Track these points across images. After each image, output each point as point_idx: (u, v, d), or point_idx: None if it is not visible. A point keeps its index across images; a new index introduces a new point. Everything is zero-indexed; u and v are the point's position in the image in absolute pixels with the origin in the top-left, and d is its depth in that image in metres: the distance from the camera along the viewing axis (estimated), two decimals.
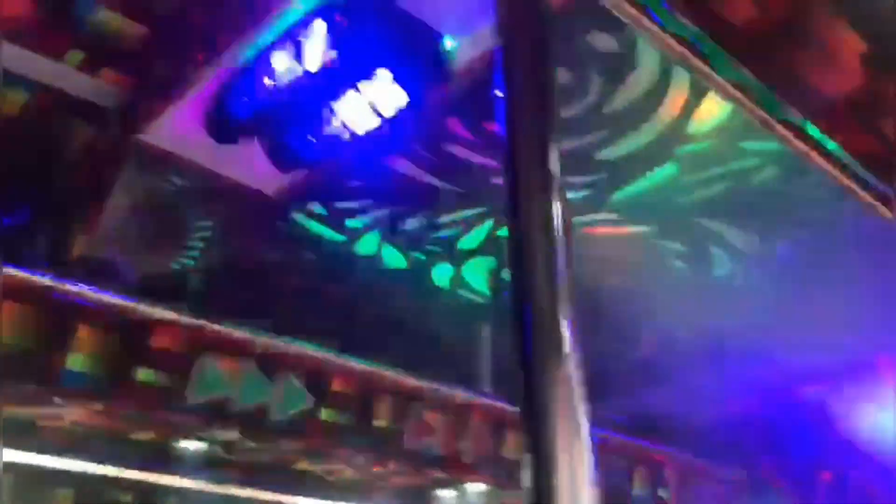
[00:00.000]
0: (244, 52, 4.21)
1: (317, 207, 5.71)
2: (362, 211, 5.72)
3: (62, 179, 5.30)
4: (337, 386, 6.19)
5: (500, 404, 7.22)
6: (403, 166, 5.29)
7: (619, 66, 4.40)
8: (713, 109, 4.57)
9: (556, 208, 1.59)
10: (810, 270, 6.03)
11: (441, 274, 6.65)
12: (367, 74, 4.06)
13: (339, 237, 6.06)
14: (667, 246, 6.01)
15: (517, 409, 1.52)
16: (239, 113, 4.32)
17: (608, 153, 5.01)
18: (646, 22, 2.90)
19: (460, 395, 6.93)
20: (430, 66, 4.09)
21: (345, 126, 4.31)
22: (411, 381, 6.56)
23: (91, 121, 5.22)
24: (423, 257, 6.37)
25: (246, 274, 5.76)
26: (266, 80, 4.15)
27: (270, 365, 5.82)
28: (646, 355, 7.46)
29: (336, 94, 4.14)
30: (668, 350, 7.10)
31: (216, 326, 5.53)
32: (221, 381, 5.61)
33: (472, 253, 6.27)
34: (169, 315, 5.33)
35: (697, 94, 4.43)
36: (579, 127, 4.76)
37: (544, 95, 1.92)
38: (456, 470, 7.08)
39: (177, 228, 5.32)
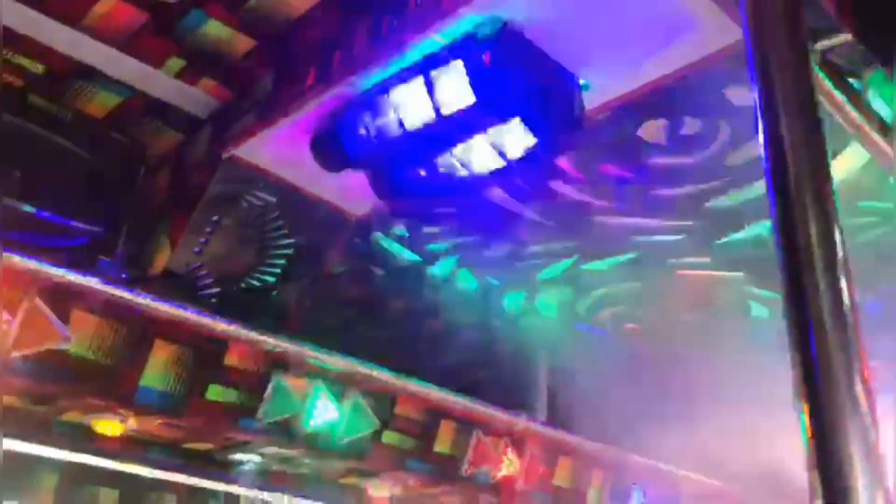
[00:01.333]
0: (366, 81, 3.99)
1: (400, 230, 5.52)
2: (447, 235, 5.53)
3: (147, 188, 5.11)
4: (402, 410, 6.03)
5: (554, 432, 7.09)
6: (499, 197, 5.10)
7: (750, 121, 4.19)
8: (839, 167, 4.38)
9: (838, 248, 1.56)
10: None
11: (512, 299, 6.48)
12: (500, 117, 3.84)
13: (416, 258, 5.88)
14: (753, 291, 5.84)
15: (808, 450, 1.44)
16: (353, 144, 4.10)
17: (717, 202, 4.83)
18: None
19: (518, 422, 6.78)
20: (563, 110, 3.89)
21: (464, 165, 4.11)
22: (473, 407, 6.40)
23: (182, 130, 5.03)
24: (498, 282, 6.19)
25: (324, 292, 5.58)
26: (388, 115, 3.93)
27: (340, 386, 5.65)
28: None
29: (464, 136, 3.92)
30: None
31: (291, 345, 5.36)
32: (292, 401, 5.45)
33: (549, 283, 6.10)
34: (245, 333, 5.15)
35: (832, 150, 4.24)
36: (695, 175, 4.57)
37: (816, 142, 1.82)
38: (507, 496, 6.95)
39: (260, 245, 5.13)
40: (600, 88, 3.90)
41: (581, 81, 3.89)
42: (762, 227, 5.04)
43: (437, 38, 3.67)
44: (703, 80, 3.84)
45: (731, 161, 4.47)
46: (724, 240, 5.21)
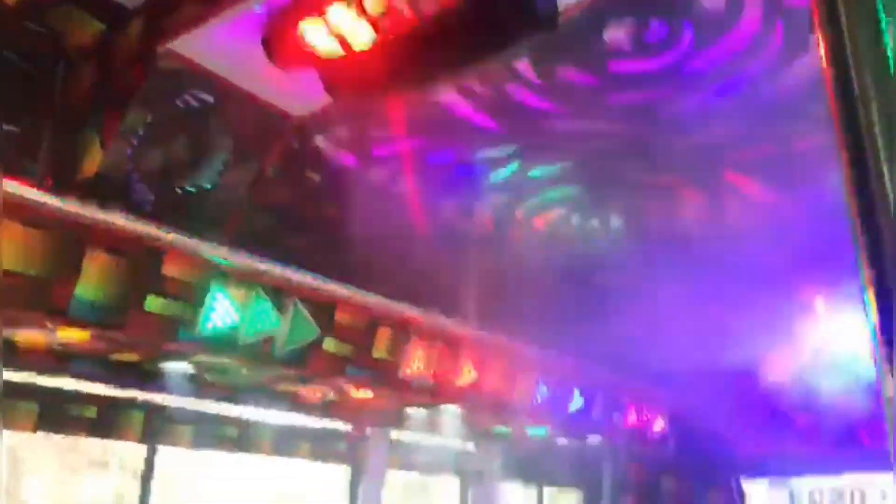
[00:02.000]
0: None
1: (343, 132, 5.30)
2: (392, 139, 5.35)
3: (69, 85, 4.67)
4: (341, 317, 5.94)
5: (487, 336, 7.18)
6: (450, 99, 4.95)
7: (714, 24, 4.17)
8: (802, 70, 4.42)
9: None
10: None
11: (451, 204, 6.40)
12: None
13: (356, 162, 5.69)
14: (685, 199, 5.99)
15: None
16: (313, 40, 3.85)
17: (668, 110, 4.84)
18: None
19: (452, 326, 6.83)
20: (535, 8, 3.74)
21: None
22: (410, 313, 6.39)
23: (107, 20, 4.58)
24: (438, 187, 6.09)
25: (261, 197, 5.34)
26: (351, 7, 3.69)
27: (279, 295, 5.50)
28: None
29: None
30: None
31: (229, 254, 5.14)
32: (232, 311, 5.27)
33: (490, 189, 6.05)
34: (183, 241, 4.90)
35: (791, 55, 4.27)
36: (652, 82, 4.54)
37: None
38: (442, 398, 7.06)
39: (197, 148, 4.82)
40: None
41: None
42: (707, 136, 5.11)
43: None
44: None
45: (689, 68, 4.46)
46: (668, 148, 5.26)
